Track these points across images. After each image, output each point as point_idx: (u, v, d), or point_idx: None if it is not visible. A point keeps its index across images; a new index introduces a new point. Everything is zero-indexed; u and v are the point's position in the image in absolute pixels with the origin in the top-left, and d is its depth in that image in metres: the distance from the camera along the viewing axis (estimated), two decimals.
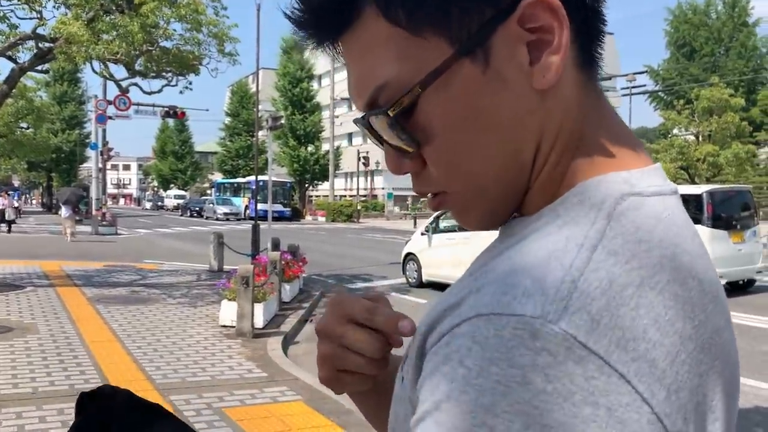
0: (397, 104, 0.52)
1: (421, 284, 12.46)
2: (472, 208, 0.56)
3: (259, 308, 8.19)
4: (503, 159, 0.52)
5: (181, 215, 50.18)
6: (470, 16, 0.49)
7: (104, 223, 27.13)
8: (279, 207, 38.81)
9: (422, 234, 12.87)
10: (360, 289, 12.38)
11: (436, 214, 13.10)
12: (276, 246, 12.65)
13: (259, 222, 15.06)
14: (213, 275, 13.13)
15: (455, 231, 12.02)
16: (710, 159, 26.68)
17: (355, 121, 0.58)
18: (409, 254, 13.02)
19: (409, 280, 12.88)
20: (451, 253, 11.60)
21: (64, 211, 22.60)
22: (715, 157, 26.60)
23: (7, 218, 26.05)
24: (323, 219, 42.38)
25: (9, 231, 25.63)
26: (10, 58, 11.62)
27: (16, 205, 31.29)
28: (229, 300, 8.22)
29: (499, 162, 0.52)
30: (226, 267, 13.18)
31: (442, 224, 12.74)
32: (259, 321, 8.16)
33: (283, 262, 10.14)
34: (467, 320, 0.45)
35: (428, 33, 0.50)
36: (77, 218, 26.28)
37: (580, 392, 0.41)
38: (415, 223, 33.21)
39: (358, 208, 43.00)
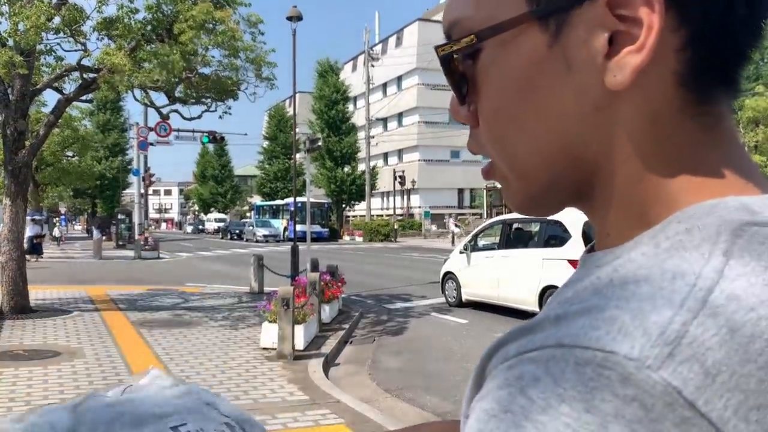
0: (447, 47, 0.47)
1: (461, 303, 12.32)
2: (512, 188, 0.50)
3: (299, 330, 8.19)
4: (551, 151, 0.45)
5: (222, 238, 50.90)
6: None
7: (147, 247, 27.98)
8: (317, 228, 39.11)
9: (461, 252, 12.72)
10: (399, 310, 12.31)
11: (474, 232, 12.99)
12: (315, 267, 12.69)
13: (298, 243, 15.15)
14: (254, 297, 13.23)
15: (494, 249, 11.89)
16: None
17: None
18: (447, 273, 12.89)
19: (449, 299, 12.75)
20: (490, 271, 11.46)
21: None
22: (763, 169, 25.86)
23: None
24: (360, 239, 42.51)
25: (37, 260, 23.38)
26: (56, 89, 12.00)
27: (45, 232, 31.29)
28: (270, 322, 8.25)
29: (546, 153, 0.45)
30: (266, 288, 13.27)
31: (481, 242, 12.61)
32: (300, 343, 8.16)
33: (322, 283, 10.15)
34: (542, 348, 0.37)
35: None
36: (120, 243, 35.12)
37: None
38: (453, 242, 33.05)
39: (395, 227, 43.00)
